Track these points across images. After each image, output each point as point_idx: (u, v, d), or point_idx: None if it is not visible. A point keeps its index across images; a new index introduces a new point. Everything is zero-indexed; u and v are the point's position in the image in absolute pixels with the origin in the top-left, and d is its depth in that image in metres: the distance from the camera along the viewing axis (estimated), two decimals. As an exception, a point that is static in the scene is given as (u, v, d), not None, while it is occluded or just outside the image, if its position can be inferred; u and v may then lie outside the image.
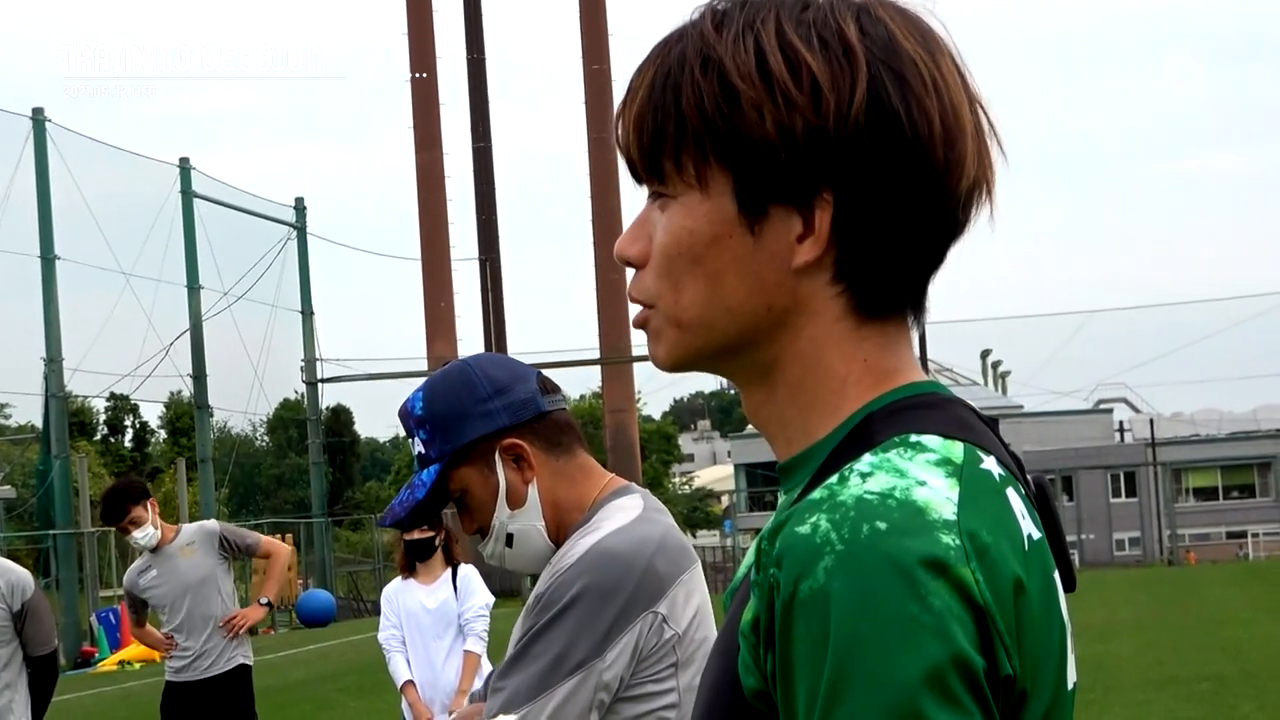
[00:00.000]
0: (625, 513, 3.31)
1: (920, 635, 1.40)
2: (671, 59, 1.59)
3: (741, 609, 1.53)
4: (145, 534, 10.28)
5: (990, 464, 1.53)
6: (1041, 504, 1.63)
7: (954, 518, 1.45)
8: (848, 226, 1.55)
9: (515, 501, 3.35)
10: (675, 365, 1.64)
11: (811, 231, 1.55)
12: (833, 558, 1.42)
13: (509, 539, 3.37)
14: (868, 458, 1.50)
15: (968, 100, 1.58)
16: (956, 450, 1.51)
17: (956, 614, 1.41)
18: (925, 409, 1.56)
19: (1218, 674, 19.41)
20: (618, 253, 1.65)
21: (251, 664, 10.64)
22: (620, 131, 1.63)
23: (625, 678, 3.18)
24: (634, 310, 1.66)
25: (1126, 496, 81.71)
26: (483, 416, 3.34)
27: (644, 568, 3.20)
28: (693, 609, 3.26)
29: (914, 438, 1.52)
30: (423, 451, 3.37)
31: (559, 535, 3.36)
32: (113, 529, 11.49)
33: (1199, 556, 67.84)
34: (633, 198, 1.65)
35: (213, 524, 10.67)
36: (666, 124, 1.58)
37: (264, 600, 10.91)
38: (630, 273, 1.66)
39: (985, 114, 1.61)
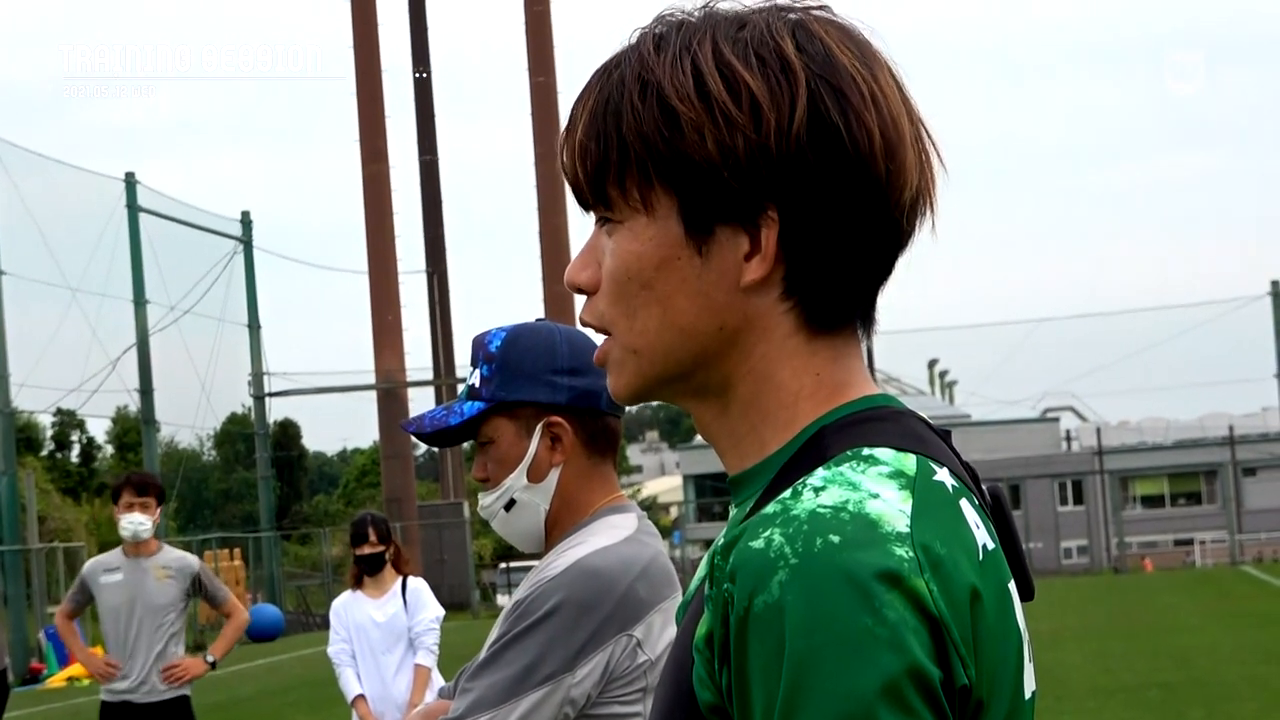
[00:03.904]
0: (616, 531, 3.28)
1: (875, 647, 1.40)
2: (611, 84, 1.60)
3: (695, 623, 1.53)
4: (143, 522, 10.17)
5: (943, 476, 1.54)
6: (997, 514, 1.64)
7: (907, 530, 1.45)
8: (794, 242, 1.56)
9: (535, 476, 3.32)
10: (634, 395, 1.64)
11: (758, 249, 1.56)
12: (787, 572, 1.42)
13: (511, 504, 3.34)
14: (821, 472, 1.50)
15: (906, 111, 1.59)
16: (909, 463, 1.52)
17: (911, 625, 1.42)
18: (877, 422, 1.57)
19: (1166, 681, 19.48)
20: (568, 280, 1.65)
21: (190, 695, 10.54)
22: (565, 159, 1.64)
23: (593, 695, 3.17)
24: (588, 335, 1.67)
25: (1074, 505, 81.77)
26: (547, 385, 3.30)
27: (624, 589, 3.18)
28: (668, 637, 3.21)
29: (866, 451, 1.52)
30: (475, 385, 3.34)
31: (554, 527, 3.34)
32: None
33: (1146, 564, 67.97)
34: (580, 211, 1.65)
35: (195, 562, 10.54)
36: (609, 150, 1.59)
37: (210, 659, 10.75)
38: (581, 299, 1.66)
39: (923, 125, 1.62)
